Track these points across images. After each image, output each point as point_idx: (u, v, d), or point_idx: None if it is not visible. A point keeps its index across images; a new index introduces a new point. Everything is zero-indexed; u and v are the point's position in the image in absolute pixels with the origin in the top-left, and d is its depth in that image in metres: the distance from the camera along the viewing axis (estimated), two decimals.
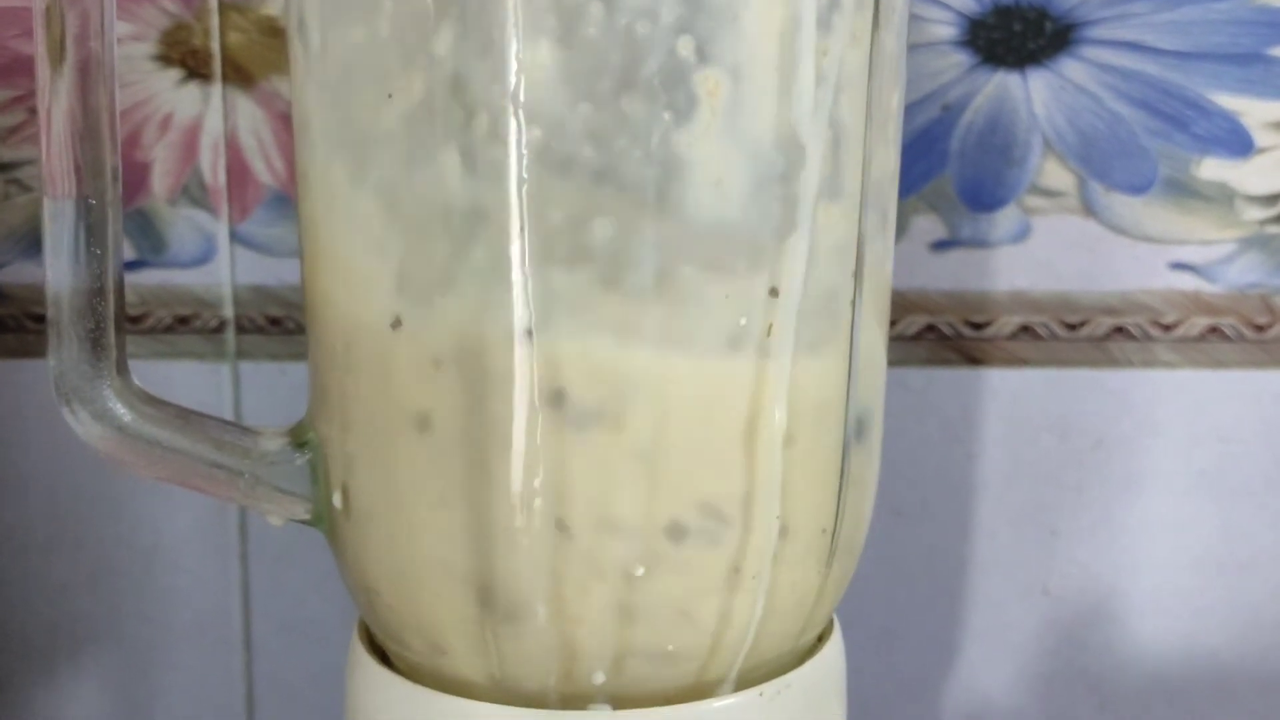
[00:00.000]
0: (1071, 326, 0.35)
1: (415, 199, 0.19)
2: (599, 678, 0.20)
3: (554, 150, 0.18)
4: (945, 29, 0.33)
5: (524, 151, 0.18)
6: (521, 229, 0.18)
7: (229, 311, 0.36)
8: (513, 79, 0.18)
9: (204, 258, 0.35)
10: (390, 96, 0.18)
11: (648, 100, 0.18)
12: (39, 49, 0.20)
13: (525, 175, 0.18)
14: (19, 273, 0.36)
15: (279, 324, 0.36)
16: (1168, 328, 0.35)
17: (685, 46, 0.18)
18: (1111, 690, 0.37)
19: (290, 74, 0.21)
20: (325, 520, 0.22)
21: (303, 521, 0.22)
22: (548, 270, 0.18)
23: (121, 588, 0.37)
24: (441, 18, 0.18)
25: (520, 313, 0.19)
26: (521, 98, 0.18)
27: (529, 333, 0.19)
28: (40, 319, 0.36)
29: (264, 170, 0.35)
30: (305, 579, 0.37)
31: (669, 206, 0.18)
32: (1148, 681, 0.37)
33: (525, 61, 0.18)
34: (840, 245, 0.20)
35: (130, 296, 0.36)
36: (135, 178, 0.35)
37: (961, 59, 0.33)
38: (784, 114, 0.19)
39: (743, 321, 0.19)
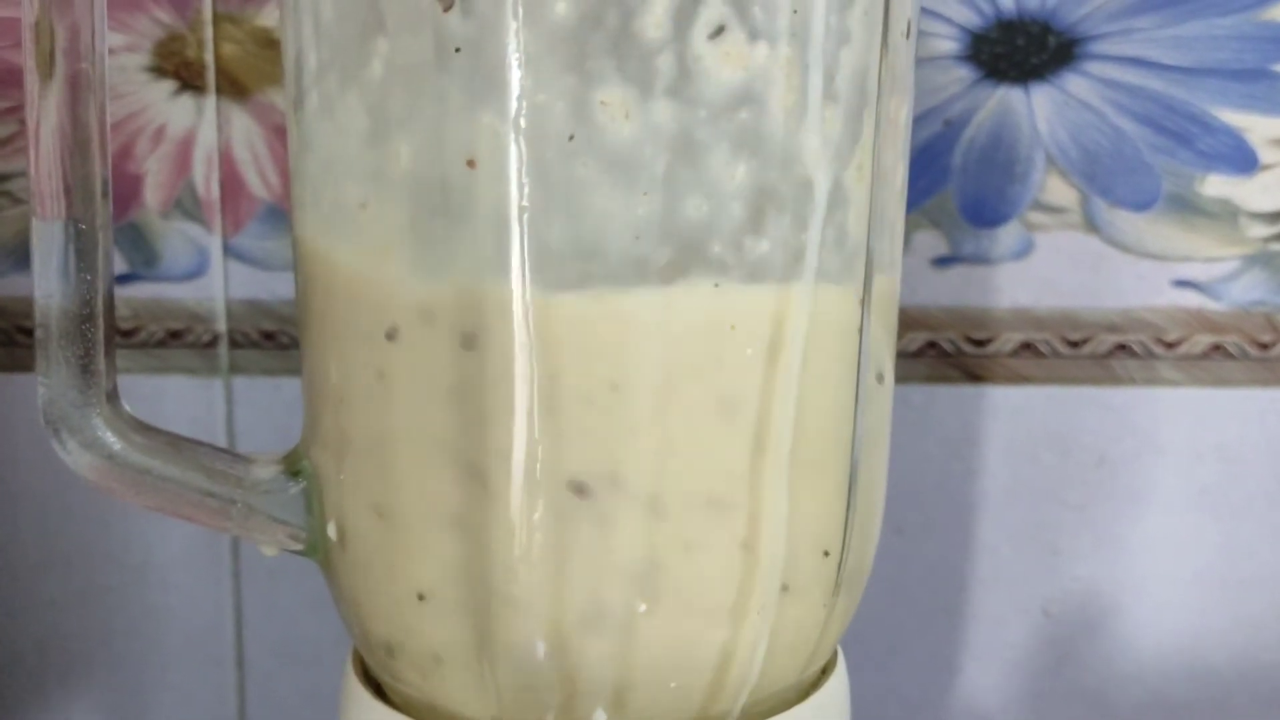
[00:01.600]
0: (1074, 344, 0.34)
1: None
2: (599, 715, 0.20)
3: None
4: (947, 43, 0.33)
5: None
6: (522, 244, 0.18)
7: (222, 326, 0.35)
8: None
9: (197, 271, 0.35)
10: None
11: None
12: (27, 63, 0.19)
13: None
14: (11, 285, 0.35)
15: (273, 338, 0.35)
16: (1171, 345, 0.34)
17: None
18: (1113, 708, 0.36)
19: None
20: (319, 551, 0.21)
21: (296, 552, 0.21)
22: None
23: (113, 606, 0.37)
24: None
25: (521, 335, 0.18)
26: None
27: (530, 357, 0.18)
28: (30, 332, 0.35)
29: (258, 183, 0.34)
30: (298, 598, 0.36)
31: None
32: (1149, 699, 0.36)
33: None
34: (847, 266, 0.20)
35: (122, 310, 0.35)
36: (128, 190, 0.34)
37: (964, 74, 0.33)
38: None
39: (749, 352, 0.19)
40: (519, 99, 0.17)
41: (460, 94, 0.17)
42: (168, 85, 0.34)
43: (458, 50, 0.17)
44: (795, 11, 0.18)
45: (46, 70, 0.19)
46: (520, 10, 0.17)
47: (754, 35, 0.18)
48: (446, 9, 0.17)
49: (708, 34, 0.17)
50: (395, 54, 0.18)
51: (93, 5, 0.19)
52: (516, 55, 0.17)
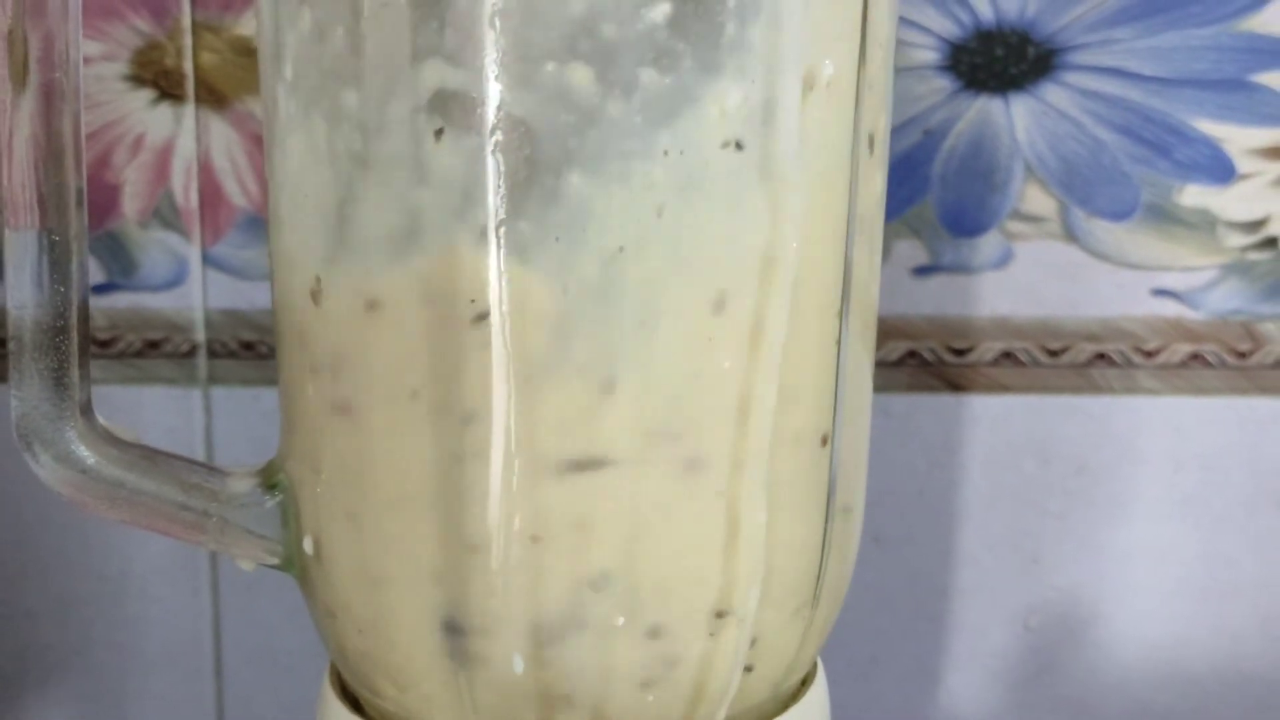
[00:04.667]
0: (1053, 353, 0.35)
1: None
2: None
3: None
4: (927, 54, 0.33)
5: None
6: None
7: (201, 335, 0.35)
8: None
9: (175, 280, 0.35)
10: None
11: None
12: (0, 71, 0.19)
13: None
14: None
15: (252, 348, 0.35)
16: (1150, 354, 0.34)
17: None
18: (1094, 716, 0.36)
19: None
20: (296, 565, 0.21)
21: (272, 566, 0.21)
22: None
23: (90, 616, 0.37)
24: None
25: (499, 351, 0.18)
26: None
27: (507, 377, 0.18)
28: (5, 342, 0.35)
29: (237, 192, 0.34)
30: (277, 608, 0.36)
31: None
32: (1131, 707, 0.36)
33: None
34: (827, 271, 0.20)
35: (100, 320, 0.35)
36: (106, 199, 0.34)
37: (944, 84, 0.33)
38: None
39: (727, 365, 0.19)
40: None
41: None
42: (146, 94, 0.34)
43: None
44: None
45: (20, 79, 0.19)
46: None
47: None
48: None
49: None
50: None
51: (67, 13, 0.19)
52: None
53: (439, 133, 0.18)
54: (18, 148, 0.19)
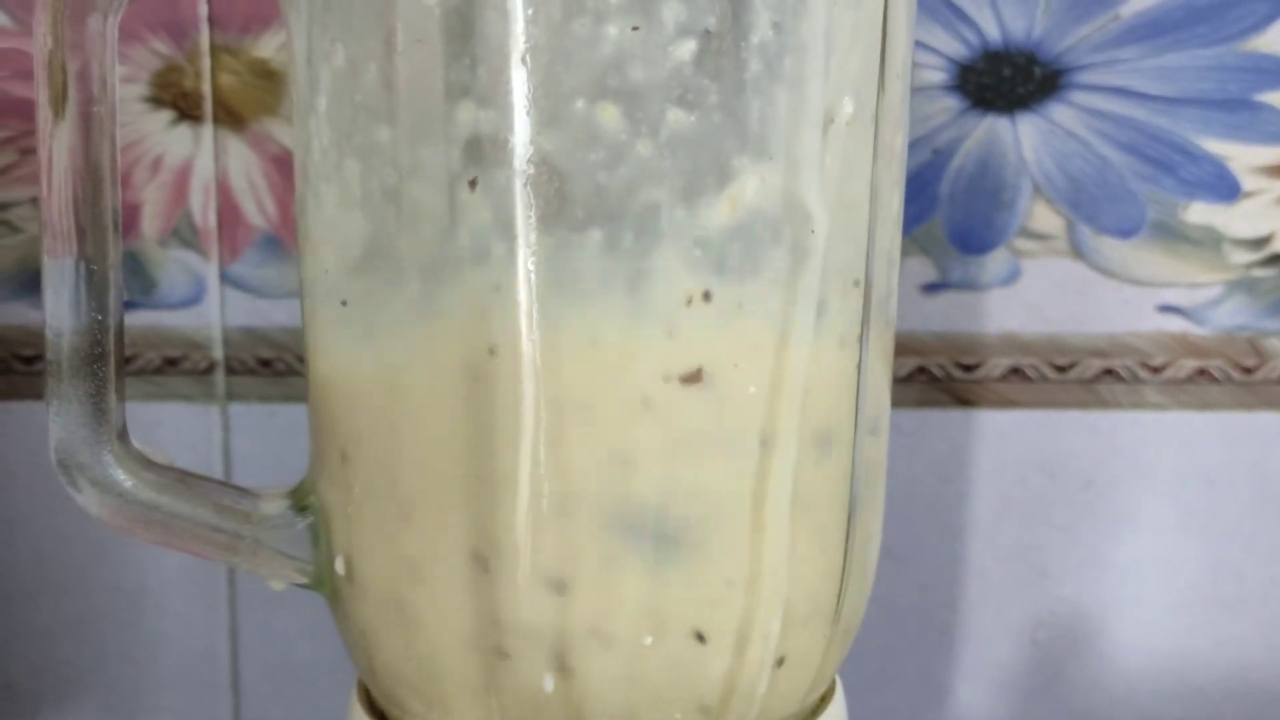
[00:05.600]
0: (1061, 368, 0.35)
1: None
2: None
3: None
4: (935, 74, 0.33)
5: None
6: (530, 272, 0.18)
7: (219, 353, 0.35)
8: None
9: (194, 299, 0.35)
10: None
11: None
12: (41, 98, 0.19)
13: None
14: (8, 314, 0.35)
15: (269, 365, 0.35)
16: (1156, 370, 0.35)
17: None
18: None
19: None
20: (326, 585, 0.21)
21: (303, 586, 0.22)
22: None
23: (107, 632, 0.37)
24: None
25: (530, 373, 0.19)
26: None
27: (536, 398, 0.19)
28: (29, 360, 0.35)
29: (254, 212, 0.35)
30: (294, 623, 0.36)
31: None
32: (1137, 718, 0.37)
33: None
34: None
35: None
36: (126, 219, 0.35)
37: (951, 104, 0.34)
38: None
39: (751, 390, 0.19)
40: None
41: None
42: (165, 115, 0.34)
43: None
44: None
45: (59, 107, 0.19)
46: None
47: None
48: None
49: None
50: None
51: (105, 42, 0.19)
52: None
53: (473, 183, 0.18)
54: (57, 177, 0.19)
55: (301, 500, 0.22)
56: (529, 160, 0.18)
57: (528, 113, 0.18)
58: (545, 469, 0.19)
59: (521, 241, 0.18)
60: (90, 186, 0.19)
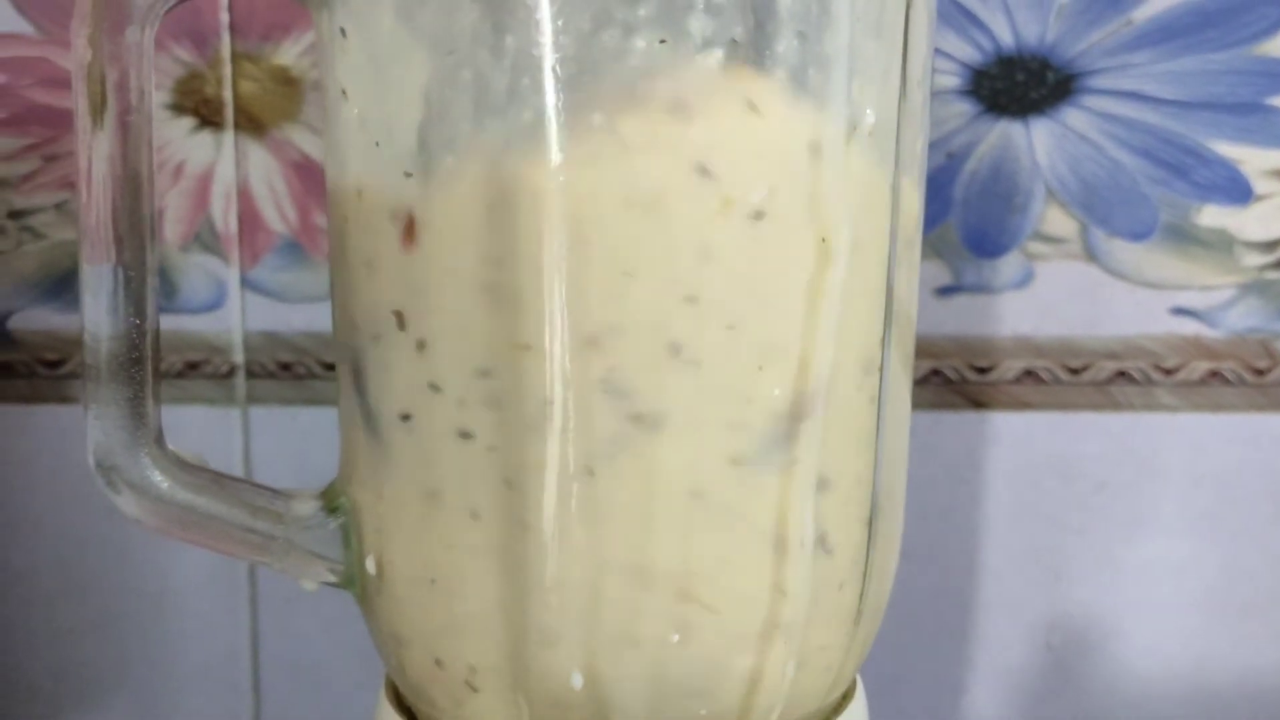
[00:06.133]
0: (1074, 371, 0.35)
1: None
2: None
3: None
4: (949, 79, 0.34)
5: None
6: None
7: (239, 357, 0.36)
8: None
9: (215, 303, 0.35)
10: None
11: None
12: (79, 107, 0.19)
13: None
14: (30, 319, 0.36)
15: (289, 369, 0.36)
16: (1169, 372, 0.35)
17: None
18: None
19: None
20: (357, 584, 0.22)
21: (333, 585, 0.22)
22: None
23: (129, 632, 0.37)
24: None
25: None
26: None
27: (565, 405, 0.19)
28: (51, 364, 0.36)
29: (275, 217, 0.35)
30: (314, 623, 0.37)
31: None
32: None
33: None
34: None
35: None
36: None
37: (965, 108, 0.34)
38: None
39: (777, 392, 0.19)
40: None
41: None
42: (187, 122, 0.35)
43: None
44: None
45: (98, 115, 0.19)
46: None
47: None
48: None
49: None
50: None
51: (142, 51, 0.19)
52: None
53: None
54: (96, 185, 0.19)
55: (332, 501, 0.22)
56: None
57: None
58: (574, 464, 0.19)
59: None
60: (128, 194, 0.19)
